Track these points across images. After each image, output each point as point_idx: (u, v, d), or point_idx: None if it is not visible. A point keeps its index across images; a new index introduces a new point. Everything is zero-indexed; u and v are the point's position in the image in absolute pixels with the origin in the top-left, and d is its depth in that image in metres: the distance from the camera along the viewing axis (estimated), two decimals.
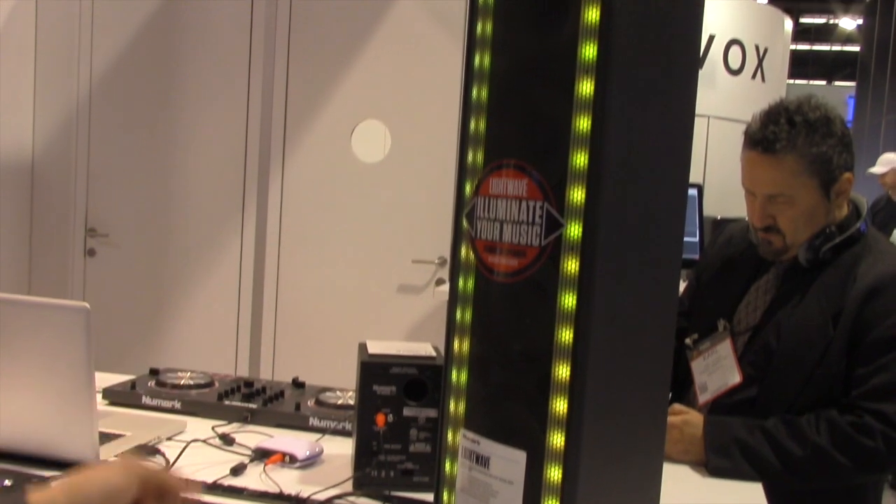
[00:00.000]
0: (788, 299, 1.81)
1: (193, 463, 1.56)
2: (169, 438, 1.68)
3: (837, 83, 19.69)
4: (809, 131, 1.75)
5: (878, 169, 6.67)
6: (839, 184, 1.79)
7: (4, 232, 4.00)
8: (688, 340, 1.95)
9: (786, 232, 1.80)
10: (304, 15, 3.93)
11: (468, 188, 1.22)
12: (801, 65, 18.85)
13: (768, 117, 1.78)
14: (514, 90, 1.17)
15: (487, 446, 1.19)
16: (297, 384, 2.02)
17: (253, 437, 1.71)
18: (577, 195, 1.10)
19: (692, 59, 1.25)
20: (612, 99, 1.08)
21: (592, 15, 1.08)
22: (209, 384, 1.96)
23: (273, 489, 1.47)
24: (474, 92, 1.22)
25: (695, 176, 4.59)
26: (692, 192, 4.17)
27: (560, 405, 1.13)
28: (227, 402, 1.85)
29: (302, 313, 4.02)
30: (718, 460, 1.69)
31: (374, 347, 1.57)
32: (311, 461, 1.61)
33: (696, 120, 4.45)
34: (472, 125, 1.22)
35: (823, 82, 20.11)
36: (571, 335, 1.12)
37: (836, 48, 18.86)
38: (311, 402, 1.88)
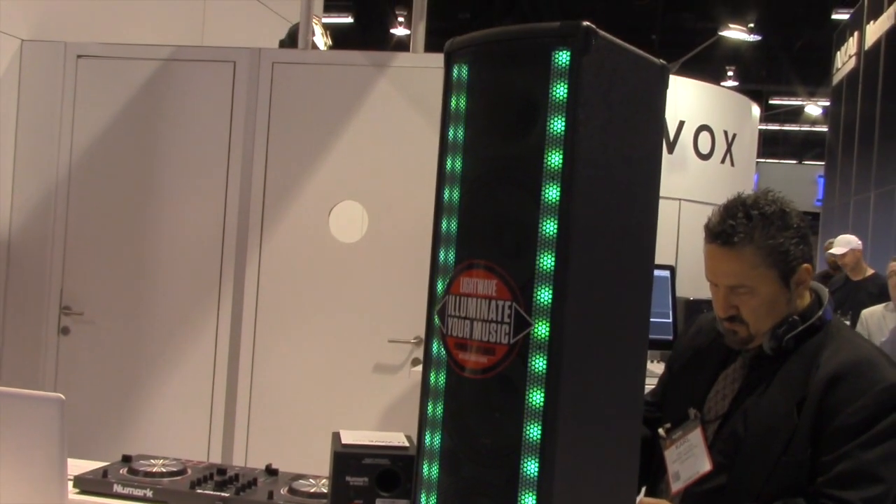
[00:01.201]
0: (755, 388, 1.85)
1: None
2: None
3: (808, 162, 20.13)
4: (766, 224, 1.82)
5: (837, 250, 6.83)
6: (798, 274, 1.85)
7: None
8: (661, 430, 1.97)
9: (749, 321, 1.85)
10: (284, 96, 4.00)
11: (440, 286, 1.26)
12: (772, 144, 19.29)
13: (727, 212, 1.85)
14: (484, 193, 1.22)
15: None
16: (271, 471, 2.01)
17: None
18: (544, 296, 1.14)
19: (655, 156, 1.31)
20: (577, 204, 1.13)
21: (558, 125, 1.14)
22: (182, 472, 1.95)
23: None
24: (446, 193, 1.27)
25: (667, 258, 4.69)
26: (665, 273, 4.25)
27: (529, 501, 1.15)
28: (199, 491, 1.84)
29: (277, 394, 4.00)
30: None
31: (348, 437, 1.59)
32: None
33: (668, 203, 4.55)
34: (444, 225, 1.26)
35: (794, 161, 20.55)
36: (540, 431, 1.15)
37: (806, 128, 19.33)
38: (284, 490, 1.88)
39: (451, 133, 1.26)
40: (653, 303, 4.32)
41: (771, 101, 17.85)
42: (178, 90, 4.06)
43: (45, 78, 4.10)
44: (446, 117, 1.28)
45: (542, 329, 1.14)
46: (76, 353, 4.14)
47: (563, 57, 1.14)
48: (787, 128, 19.66)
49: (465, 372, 1.21)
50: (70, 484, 1.86)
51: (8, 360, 4.12)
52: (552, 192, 1.14)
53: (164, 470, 1.94)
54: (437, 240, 1.27)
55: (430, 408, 1.27)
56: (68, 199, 4.12)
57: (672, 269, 4.29)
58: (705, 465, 1.83)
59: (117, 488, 1.86)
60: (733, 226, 1.81)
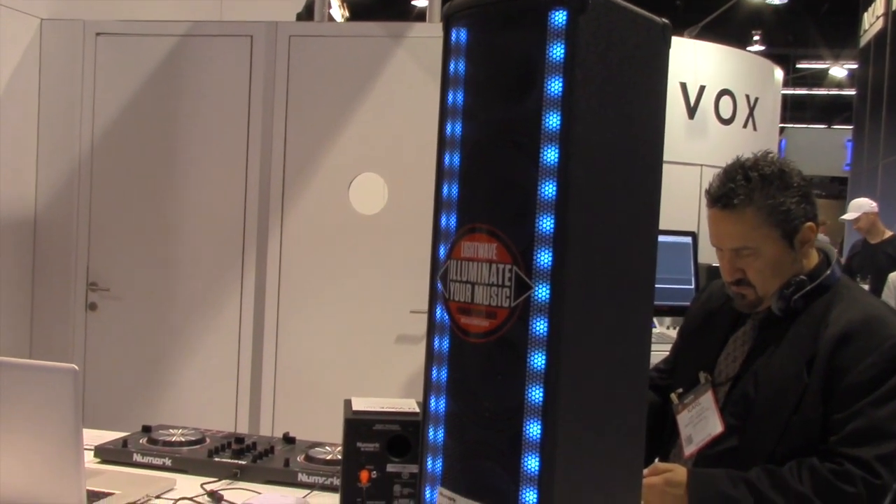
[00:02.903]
0: (764, 349, 1.85)
1: None
2: (158, 496, 1.70)
3: (837, 126, 19.83)
4: (765, 185, 1.82)
5: (849, 215, 6.75)
6: (801, 233, 1.84)
7: (7, 286, 4.05)
8: (673, 395, 1.98)
9: (755, 284, 1.85)
10: (302, 69, 4.00)
11: (442, 251, 1.27)
12: (799, 109, 19.01)
13: (726, 175, 1.86)
14: (484, 157, 1.21)
15: (463, 503, 1.22)
16: (288, 439, 2.04)
17: (241, 493, 1.73)
18: (545, 258, 1.14)
19: (657, 118, 1.29)
20: (576, 166, 1.13)
21: (556, 86, 1.13)
22: (200, 441, 1.98)
23: None
24: (447, 158, 1.26)
25: (689, 224, 4.66)
26: (686, 239, 4.22)
27: (532, 463, 1.16)
28: (216, 459, 1.87)
29: (301, 366, 4.04)
30: None
31: (359, 404, 1.60)
32: None
33: (690, 169, 4.49)
34: (445, 190, 1.26)
35: (823, 126, 20.25)
36: (542, 394, 1.15)
37: (834, 92, 19.02)
38: (300, 458, 1.90)
39: (450, 97, 1.26)
40: (674, 269, 4.29)
41: (798, 66, 17.57)
42: (197, 66, 4.07)
43: (65, 56, 4.13)
44: (446, 82, 1.27)
45: (542, 292, 1.14)
46: (104, 328, 4.20)
47: (559, 17, 1.13)
48: (814, 92, 19.36)
49: (467, 336, 1.22)
50: (91, 454, 1.91)
51: (38, 336, 4.19)
52: (551, 155, 1.14)
53: (182, 439, 1.97)
54: (439, 205, 1.28)
55: (434, 373, 1.28)
56: (91, 177, 4.16)
57: (694, 236, 4.26)
58: (717, 428, 1.83)
59: (137, 457, 1.90)
60: (733, 188, 1.82)
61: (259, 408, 4.08)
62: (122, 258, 4.17)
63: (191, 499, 1.69)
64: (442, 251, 1.27)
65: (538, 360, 1.15)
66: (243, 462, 1.86)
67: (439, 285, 1.27)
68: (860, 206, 6.73)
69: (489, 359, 1.20)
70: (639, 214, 1.26)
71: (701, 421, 1.88)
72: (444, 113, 1.27)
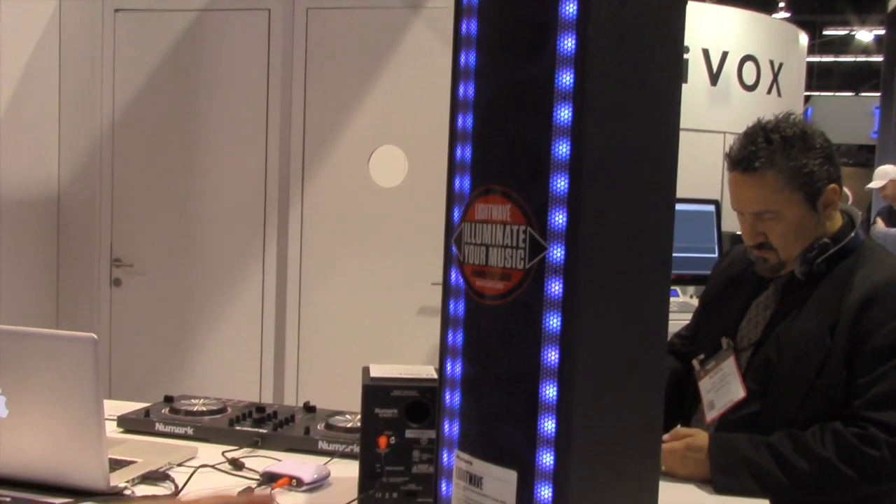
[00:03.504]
0: (787, 313, 1.82)
1: (202, 488, 1.59)
2: (180, 464, 1.72)
3: (864, 94, 19.52)
4: (787, 147, 1.78)
5: (875, 183, 6.64)
6: (825, 195, 1.81)
7: (33, 264, 4.09)
8: (694, 361, 1.96)
9: (777, 247, 1.82)
10: (320, 41, 3.99)
11: (456, 214, 1.26)
12: (826, 77, 18.71)
13: (747, 138, 1.82)
14: (497, 118, 1.20)
15: (480, 467, 1.22)
16: (308, 408, 2.04)
17: (262, 461, 1.74)
18: (559, 219, 1.13)
19: (673, 78, 1.27)
20: (589, 124, 1.11)
21: (568, 44, 1.11)
22: (222, 410, 1.99)
23: None
24: (459, 120, 1.25)
25: (712, 192, 4.60)
26: (709, 208, 4.18)
27: (549, 425, 1.15)
28: (237, 428, 1.88)
29: (325, 338, 4.06)
30: (725, 479, 1.69)
31: (377, 371, 1.60)
32: (318, 484, 1.64)
33: (712, 136, 4.43)
34: (459, 152, 1.25)
35: (850, 94, 19.95)
36: (558, 356, 1.14)
37: (862, 59, 18.70)
38: (320, 426, 1.91)
39: (462, 58, 1.25)
40: (697, 238, 4.25)
41: (825, 32, 17.27)
42: (215, 40, 4.07)
43: (84, 33, 4.14)
44: (458, 42, 1.26)
45: (557, 253, 1.13)
46: (128, 303, 4.24)
47: None
48: (840, 59, 19.05)
49: (482, 299, 1.21)
50: (114, 423, 1.93)
51: (64, 313, 4.24)
52: (565, 113, 1.12)
53: (204, 409, 1.98)
54: (452, 168, 1.26)
55: (450, 336, 1.27)
56: (113, 154, 4.19)
57: (717, 204, 4.21)
58: (739, 393, 1.81)
59: (159, 427, 1.91)
60: (754, 151, 1.78)
61: (283, 380, 4.11)
62: (145, 234, 4.20)
63: (212, 466, 1.70)
64: (456, 214, 1.26)
65: (553, 321, 1.14)
66: (264, 430, 1.87)
67: (454, 248, 1.26)
68: (886, 173, 6.62)
69: (504, 321, 1.19)
70: (655, 174, 1.24)
71: (723, 386, 1.86)
72: (457, 74, 1.26)
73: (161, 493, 1.56)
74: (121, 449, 1.75)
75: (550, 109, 1.13)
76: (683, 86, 1.32)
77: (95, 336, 1.45)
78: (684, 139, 1.29)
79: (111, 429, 1.88)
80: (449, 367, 1.28)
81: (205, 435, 1.88)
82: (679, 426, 2.01)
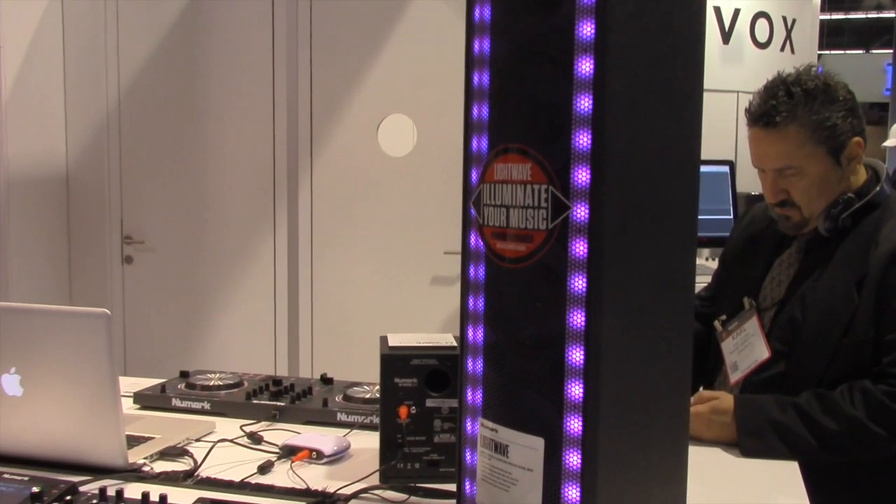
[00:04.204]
0: (811, 271, 1.78)
1: (221, 462, 1.57)
2: (198, 439, 1.70)
3: (875, 51, 19.26)
4: (808, 100, 1.73)
5: (890, 142, 6.53)
6: (849, 149, 1.76)
7: (44, 242, 4.07)
8: (716, 322, 1.92)
9: (801, 204, 1.78)
10: (326, 12, 3.93)
11: (474, 176, 1.21)
12: (836, 35, 18.47)
13: (767, 92, 1.77)
14: (514, 74, 1.15)
15: (506, 434, 1.18)
16: (325, 380, 2.02)
17: (281, 434, 1.72)
18: (582, 176, 1.08)
19: (697, 31, 1.22)
20: (612, 77, 1.06)
21: None
22: (238, 384, 1.97)
23: (300, 485, 1.47)
24: (475, 78, 1.21)
25: (726, 153, 4.54)
26: (724, 168, 4.12)
27: (576, 390, 1.12)
28: (255, 401, 1.86)
29: (338, 309, 4.04)
30: (752, 442, 1.66)
31: (395, 340, 1.57)
32: (338, 456, 1.62)
33: (725, 96, 4.36)
34: (475, 111, 1.21)
35: (861, 51, 19.70)
36: (583, 319, 1.10)
37: (873, 15, 18.44)
38: (338, 398, 1.88)
39: (476, 13, 1.20)
40: (712, 199, 4.20)
41: None
42: (220, 9, 4.01)
43: (88, 12, 4.09)
44: None
45: (581, 212, 1.09)
46: (140, 280, 4.22)
47: None
48: (851, 16, 18.78)
49: (503, 262, 1.17)
50: (130, 400, 1.91)
51: (77, 291, 4.22)
52: (586, 66, 1.07)
53: (220, 383, 1.96)
54: (469, 128, 1.22)
55: (471, 302, 1.24)
56: (120, 131, 4.15)
57: (731, 165, 4.15)
58: (763, 353, 1.78)
59: (176, 402, 1.89)
60: (775, 105, 1.73)
61: (298, 353, 4.09)
62: (155, 211, 4.17)
63: (231, 441, 1.68)
64: (474, 175, 1.22)
65: (578, 283, 1.10)
66: (282, 403, 1.84)
67: (472, 211, 1.22)
68: None
69: (527, 285, 1.15)
70: (681, 129, 1.19)
71: (746, 347, 1.83)
72: (471, 29, 1.21)
73: (180, 468, 1.54)
74: (138, 425, 1.73)
75: (571, 62, 1.08)
76: None
77: (108, 311, 1.42)
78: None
79: (128, 405, 1.87)
80: (470, 333, 1.24)
81: (222, 409, 1.86)
82: (701, 389, 1.97)
